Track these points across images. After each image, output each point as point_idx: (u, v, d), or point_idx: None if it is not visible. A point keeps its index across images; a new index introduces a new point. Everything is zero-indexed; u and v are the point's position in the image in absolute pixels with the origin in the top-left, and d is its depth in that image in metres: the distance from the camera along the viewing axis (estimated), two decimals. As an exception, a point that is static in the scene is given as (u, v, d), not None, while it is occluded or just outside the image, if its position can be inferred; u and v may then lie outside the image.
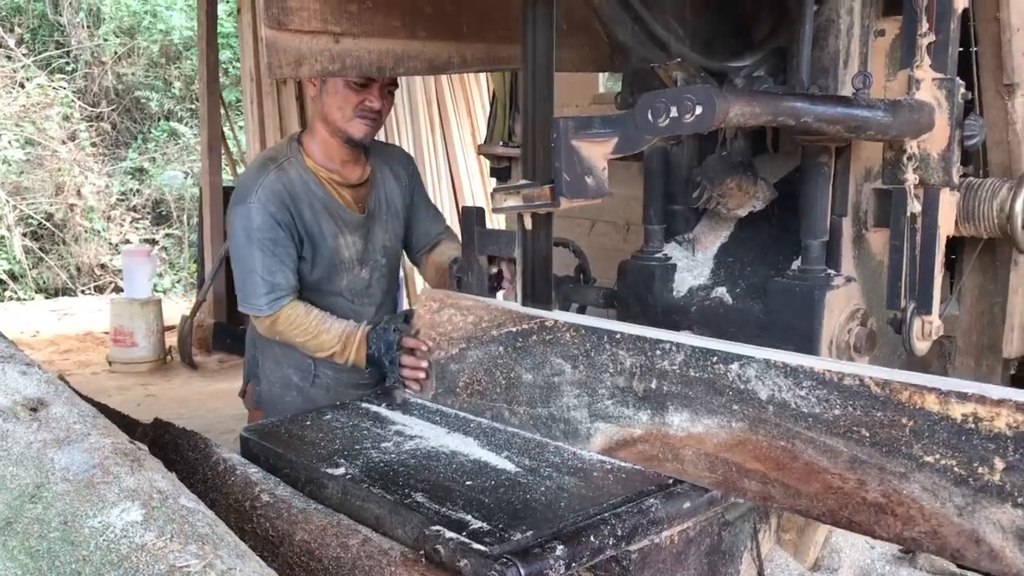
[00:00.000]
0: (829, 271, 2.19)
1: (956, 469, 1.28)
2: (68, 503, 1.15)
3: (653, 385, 1.64)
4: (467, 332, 2.02)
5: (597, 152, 1.81)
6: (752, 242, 2.39)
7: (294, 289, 2.41)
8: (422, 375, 2.14)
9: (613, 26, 2.04)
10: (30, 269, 9.54)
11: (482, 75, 7.16)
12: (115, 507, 1.12)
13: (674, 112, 1.68)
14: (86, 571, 1.02)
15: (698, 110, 1.66)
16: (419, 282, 7.01)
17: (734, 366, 1.52)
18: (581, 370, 1.77)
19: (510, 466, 1.85)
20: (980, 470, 1.25)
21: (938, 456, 1.29)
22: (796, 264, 2.23)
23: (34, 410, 1.46)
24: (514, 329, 1.90)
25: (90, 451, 1.28)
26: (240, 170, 7.21)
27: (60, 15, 10.86)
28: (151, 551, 1.01)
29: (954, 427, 1.28)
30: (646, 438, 1.68)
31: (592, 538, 1.55)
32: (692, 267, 2.42)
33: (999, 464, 1.24)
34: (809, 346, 2.15)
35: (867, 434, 1.37)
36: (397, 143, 6.90)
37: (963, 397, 1.26)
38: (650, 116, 1.72)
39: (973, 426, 1.26)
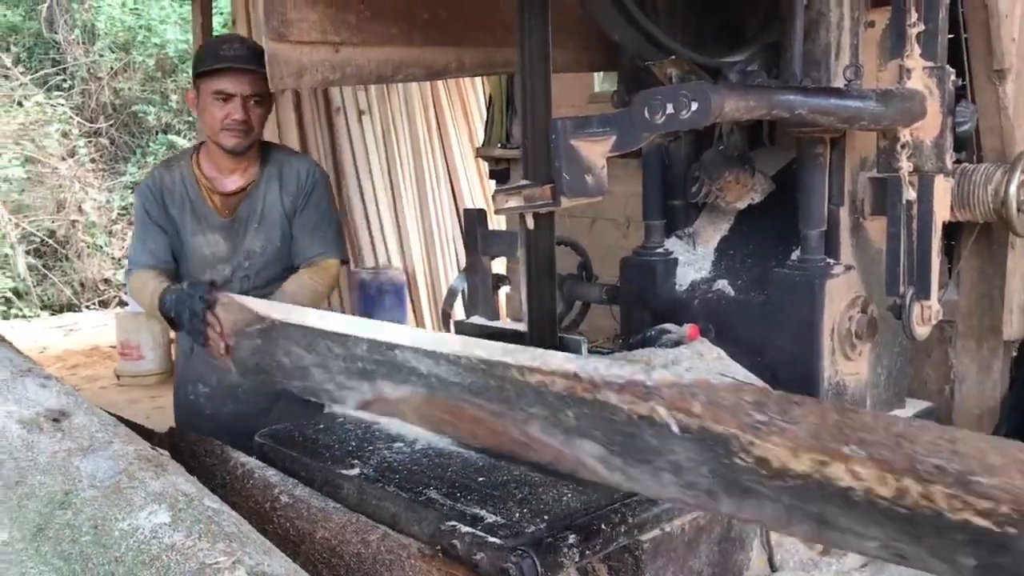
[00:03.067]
0: (828, 260, 2.23)
1: (550, 417, 1.54)
2: (97, 508, 1.19)
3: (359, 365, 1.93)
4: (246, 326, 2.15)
5: (596, 151, 1.84)
6: (752, 234, 2.43)
7: (146, 265, 2.62)
8: (222, 350, 2.21)
9: (608, 26, 2.07)
10: (34, 286, 9.57)
11: (478, 79, 7.19)
12: (143, 510, 1.16)
13: (670, 109, 1.72)
14: (119, 571, 1.05)
15: (694, 106, 1.70)
16: (422, 290, 7.06)
17: (396, 352, 1.82)
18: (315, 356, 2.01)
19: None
20: (562, 417, 1.52)
21: (536, 409, 1.55)
22: (796, 254, 2.26)
23: (56, 420, 1.50)
24: (262, 327, 2.08)
25: (114, 458, 1.32)
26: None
27: (55, 33, 10.89)
28: (181, 550, 1.05)
29: (532, 390, 1.54)
30: (375, 400, 1.93)
31: (605, 528, 1.58)
32: (693, 261, 2.45)
33: (571, 413, 1.47)
34: (811, 335, 2.19)
35: (494, 395, 1.66)
36: (396, 149, 6.93)
37: (533, 371, 1.54)
38: (647, 113, 1.75)
39: (545, 389, 1.50)
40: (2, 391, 1.62)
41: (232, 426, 2.53)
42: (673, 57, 2.14)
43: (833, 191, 2.22)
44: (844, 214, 2.26)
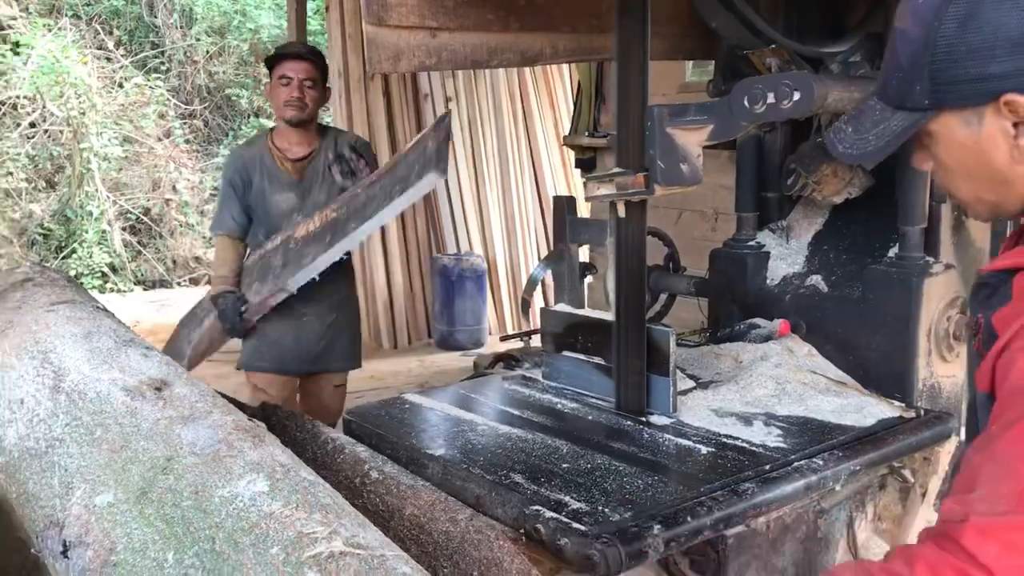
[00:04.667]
0: (928, 258, 2.17)
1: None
2: (198, 475, 1.22)
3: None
4: None
5: (692, 139, 1.83)
6: (848, 229, 2.37)
7: (231, 230, 3.32)
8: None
9: (707, 14, 2.04)
10: (129, 262, 9.89)
11: (565, 67, 7.16)
12: (242, 479, 1.18)
13: (771, 98, 1.69)
14: (219, 536, 1.08)
15: (796, 96, 1.67)
16: (502, 277, 7.09)
17: None
18: None
19: (606, 451, 1.88)
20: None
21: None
22: (894, 251, 2.20)
23: (158, 389, 1.54)
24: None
25: (214, 427, 1.36)
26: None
27: (155, 17, 11.19)
28: (279, 519, 1.07)
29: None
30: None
31: (690, 520, 1.57)
32: (786, 255, 2.41)
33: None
34: (906, 334, 2.13)
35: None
36: (481, 136, 6.97)
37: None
38: (747, 102, 1.72)
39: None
40: (107, 359, 1.68)
41: (293, 350, 3.30)
42: (773, 46, 2.10)
43: (935, 187, 2.15)
44: (946, 211, 2.19)
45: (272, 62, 3.29)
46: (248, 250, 3.41)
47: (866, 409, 2.06)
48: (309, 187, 3.31)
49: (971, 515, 0.93)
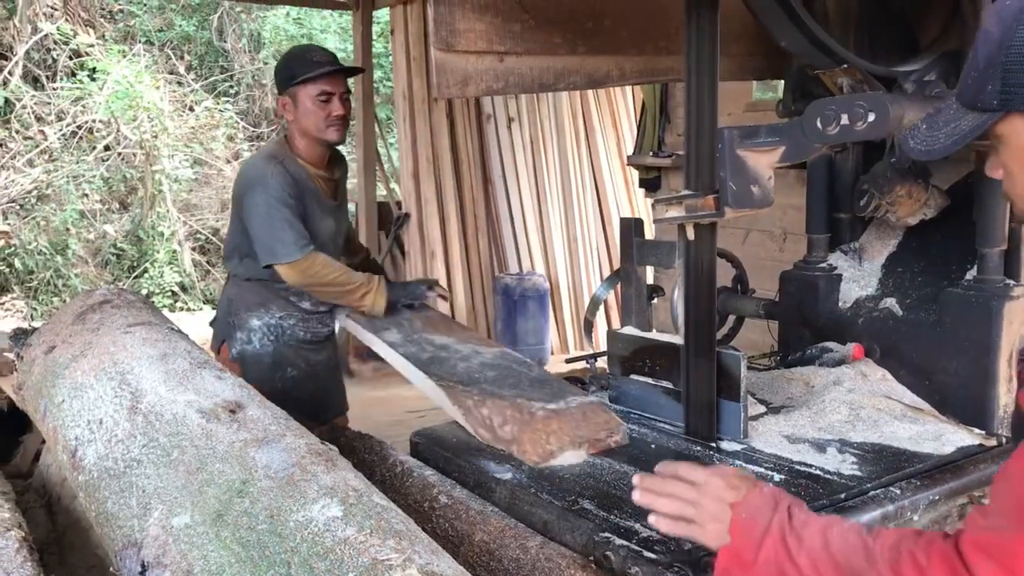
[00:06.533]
0: (1008, 281, 2.11)
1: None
2: (272, 498, 1.23)
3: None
4: None
5: (763, 161, 1.80)
6: (923, 251, 2.32)
7: (314, 248, 2.79)
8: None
9: (777, 33, 2.02)
10: (198, 281, 10.12)
11: (628, 87, 7.15)
12: (316, 503, 1.19)
13: (845, 119, 1.66)
14: (295, 561, 1.09)
15: (871, 117, 1.63)
16: (564, 297, 7.08)
17: None
18: None
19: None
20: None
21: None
22: (971, 274, 2.14)
23: (233, 412, 1.57)
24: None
25: (288, 451, 1.37)
26: (393, 186, 7.44)
27: (224, 42, 11.48)
28: (353, 544, 1.08)
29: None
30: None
31: (763, 550, 1.53)
32: (858, 277, 2.36)
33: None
34: (986, 359, 2.07)
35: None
36: (543, 156, 6.99)
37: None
38: (819, 124, 1.70)
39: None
40: (183, 381, 1.71)
41: (309, 403, 2.86)
42: (845, 66, 2.06)
43: (1015, 208, 2.09)
44: (1027, 232, 2.13)
45: (297, 76, 2.81)
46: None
47: (944, 436, 2.00)
48: (340, 213, 3.03)
49: (981, 527, 1.00)
